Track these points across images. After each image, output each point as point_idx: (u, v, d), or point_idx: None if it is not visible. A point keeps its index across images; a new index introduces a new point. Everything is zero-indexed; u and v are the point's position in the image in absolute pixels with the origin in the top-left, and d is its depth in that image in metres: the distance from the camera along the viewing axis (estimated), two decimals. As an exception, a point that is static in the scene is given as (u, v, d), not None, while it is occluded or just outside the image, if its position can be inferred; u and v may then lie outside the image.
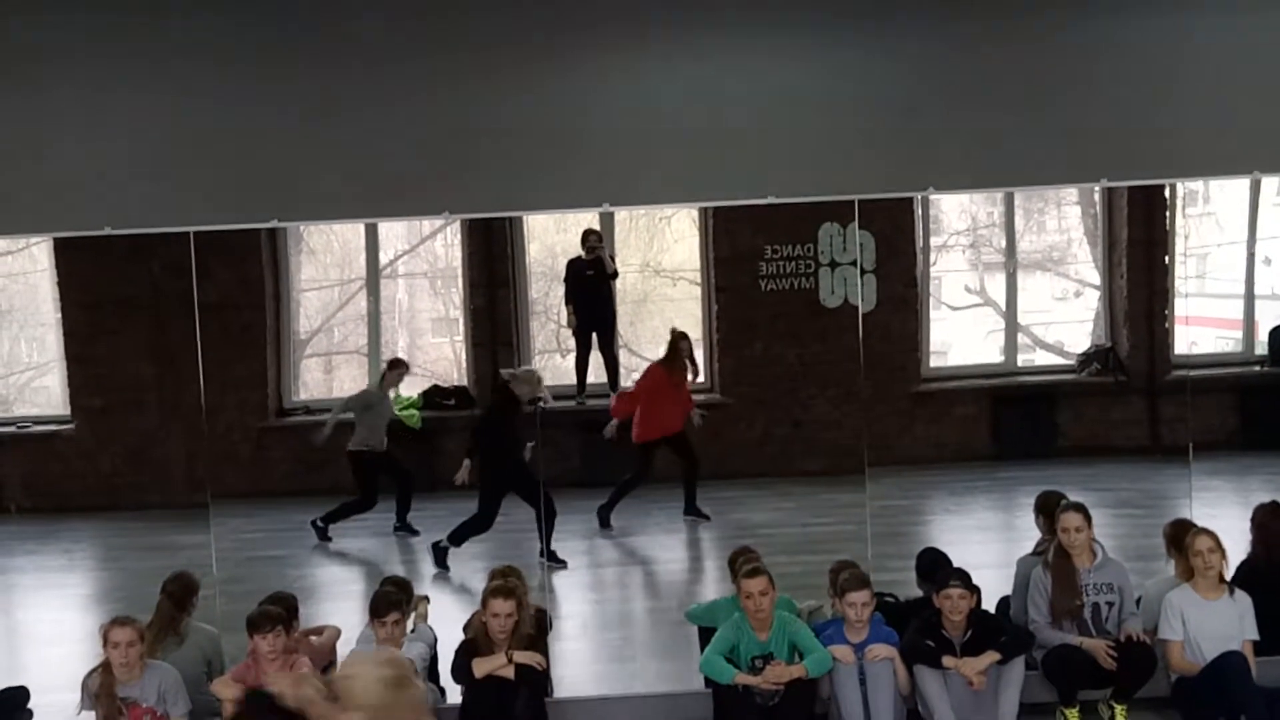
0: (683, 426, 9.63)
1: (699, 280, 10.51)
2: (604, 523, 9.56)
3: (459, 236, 10.46)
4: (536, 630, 6.65)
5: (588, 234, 9.96)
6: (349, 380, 9.93)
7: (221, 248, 8.03)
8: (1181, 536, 6.78)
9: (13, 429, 10.19)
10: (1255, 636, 6.54)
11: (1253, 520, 7.08)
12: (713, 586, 8.57)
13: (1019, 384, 10.41)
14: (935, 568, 6.85)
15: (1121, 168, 6.96)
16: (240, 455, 9.71)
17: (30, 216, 6.97)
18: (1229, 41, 6.85)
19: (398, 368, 9.78)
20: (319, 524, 9.39)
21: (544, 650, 6.63)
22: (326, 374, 10.93)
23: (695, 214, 10.37)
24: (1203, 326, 10.57)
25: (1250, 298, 10.21)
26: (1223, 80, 6.81)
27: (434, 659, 6.72)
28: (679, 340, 9.67)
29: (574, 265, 10.10)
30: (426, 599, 7.23)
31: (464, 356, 10.58)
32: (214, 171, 6.79)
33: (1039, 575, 6.76)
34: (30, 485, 9.95)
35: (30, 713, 6.74)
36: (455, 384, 10.52)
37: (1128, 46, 6.85)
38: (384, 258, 10.61)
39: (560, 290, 10.28)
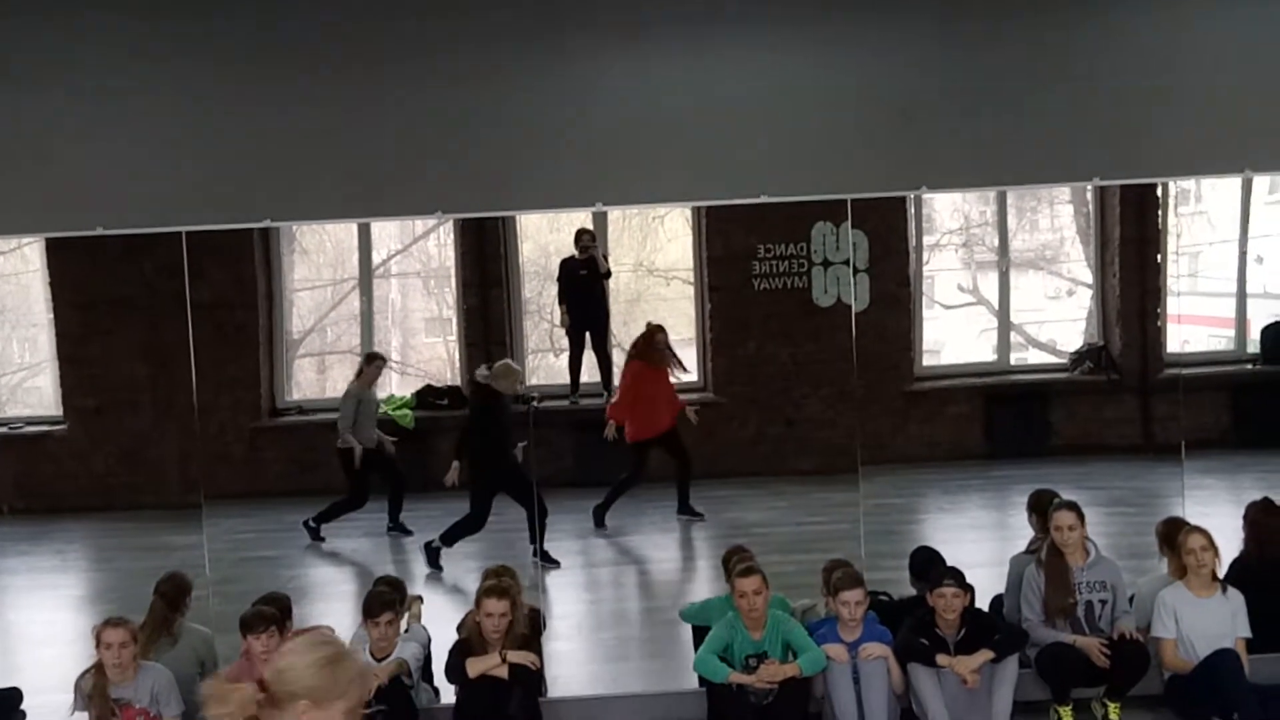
0: (674, 425, 9.62)
1: (692, 280, 10.52)
2: (599, 522, 9.56)
3: (452, 236, 10.46)
4: (530, 630, 6.64)
5: (581, 233, 9.96)
6: (342, 380, 9.92)
7: (214, 248, 8.01)
8: (1174, 535, 6.80)
9: (5, 429, 10.17)
10: (1248, 634, 6.55)
11: (1245, 518, 7.10)
12: (706, 586, 8.56)
13: (1012, 383, 10.43)
14: (929, 566, 6.85)
15: (1114, 166, 6.96)
16: (233, 455, 9.70)
17: (22, 216, 6.95)
18: (1221, 40, 6.86)
19: (375, 361, 9.73)
20: (311, 524, 9.38)
21: (538, 650, 6.63)
22: (319, 374, 10.92)
23: (688, 213, 10.38)
24: (1195, 325, 10.60)
25: (1242, 296, 10.23)
26: (1214, 79, 6.82)
27: (428, 659, 6.72)
28: (655, 333, 9.66)
29: (567, 265, 10.11)
30: (420, 599, 7.25)
31: (457, 356, 10.58)
32: (206, 171, 6.77)
33: (1032, 574, 6.76)
34: (23, 486, 9.93)
35: (23, 714, 6.72)
36: (448, 384, 10.52)
37: (1120, 46, 6.85)
38: (377, 257, 10.61)
39: (553, 290, 10.28)
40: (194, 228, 6.90)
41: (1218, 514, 7.60)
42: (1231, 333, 10.34)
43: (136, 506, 9.58)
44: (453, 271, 10.55)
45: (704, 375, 10.35)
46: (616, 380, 10.07)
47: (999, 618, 6.87)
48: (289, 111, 6.78)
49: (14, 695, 6.76)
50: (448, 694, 6.65)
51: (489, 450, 9.00)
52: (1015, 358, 10.60)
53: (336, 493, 9.45)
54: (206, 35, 6.76)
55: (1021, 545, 7.29)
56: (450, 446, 9.24)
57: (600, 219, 10.00)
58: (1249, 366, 10.26)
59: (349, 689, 3.12)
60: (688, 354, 10.27)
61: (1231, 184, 9.91)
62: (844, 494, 7.98)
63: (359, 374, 9.62)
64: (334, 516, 9.41)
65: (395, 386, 10.67)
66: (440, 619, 7.09)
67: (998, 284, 10.48)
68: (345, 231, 10.39)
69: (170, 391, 8.61)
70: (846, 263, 8.15)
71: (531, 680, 6.43)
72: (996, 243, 10.60)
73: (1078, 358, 10.51)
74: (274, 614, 6.34)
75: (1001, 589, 7.15)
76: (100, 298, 9.68)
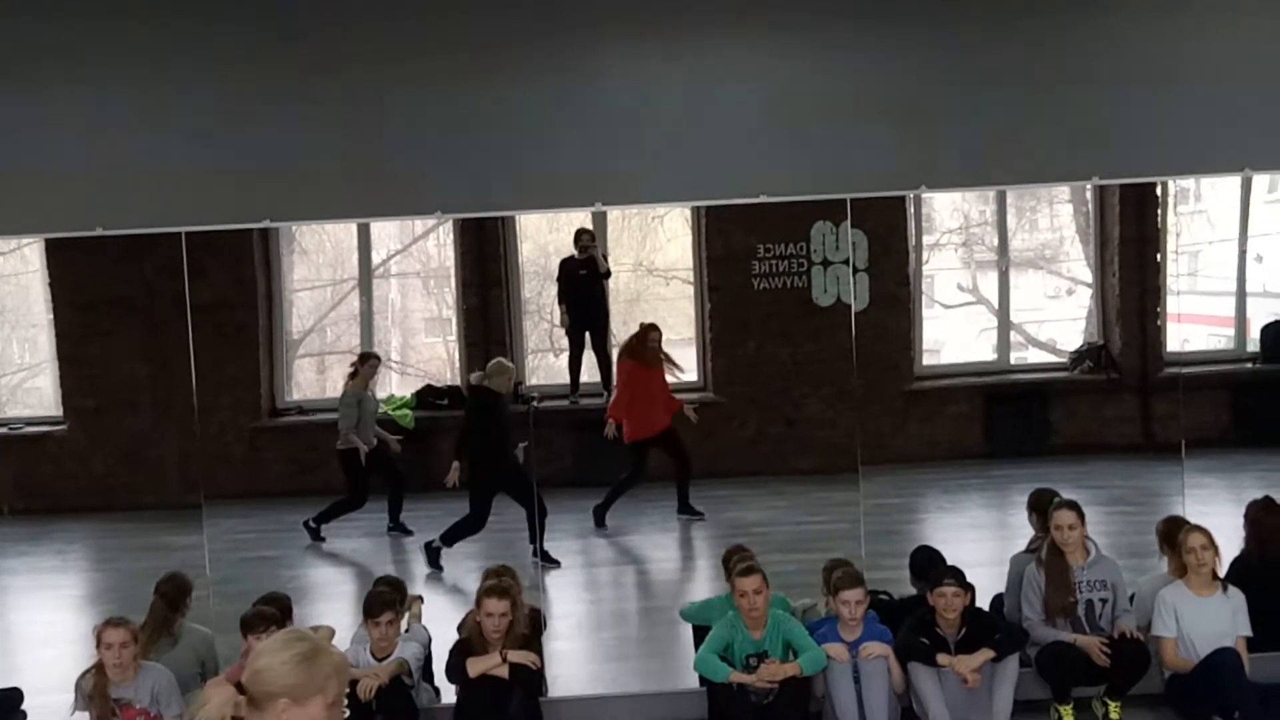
0: (670, 425, 9.61)
1: (692, 279, 10.52)
2: (599, 522, 9.56)
3: (451, 236, 10.46)
4: (531, 630, 6.64)
5: (580, 233, 9.96)
6: (341, 380, 9.92)
7: (214, 248, 8.01)
8: (1174, 533, 6.80)
9: (5, 430, 10.17)
10: (1248, 633, 6.55)
11: (1246, 517, 7.10)
12: (707, 585, 8.56)
13: (1012, 382, 10.43)
14: (929, 566, 6.85)
15: (1113, 166, 6.96)
16: (233, 456, 9.70)
17: (22, 217, 6.95)
18: (1220, 40, 6.85)
19: (369, 361, 9.73)
20: (311, 525, 9.38)
21: (538, 650, 6.63)
22: (319, 374, 10.92)
23: (688, 213, 10.38)
24: (1195, 324, 10.60)
25: (1242, 295, 10.23)
26: (1214, 78, 6.81)
27: (428, 659, 6.72)
28: (648, 332, 9.66)
29: (567, 264, 10.10)
30: (420, 599, 7.25)
31: (457, 356, 10.58)
32: (206, 172, 6.77)
33: (1032, 573, 6.76)
34: (23, 486, 9.93)
35: (24, 714, 6.72)
36: (448, 384, 10.52)
37: (1120, 45, 6.85)
38: (376, 257, 10.61)
39: (553, 290, 10.28)
40: (194, 228, 6.90)
41: (1218, 513, 7.60)
42: (1231, 331, 10.34)
43: (136, 507, 9.58)
44: (452, 271, 10.55)
45: (704, 375, 10.35)
46: (615, 380, 10.07)
47: (999, 617, 6.87)
48: (289, 111, 6.78)
49: (15, 695, 6.77)
50: (448, 694, 6.65)
51: (489, 450, 9.00)
52: (1015, 357, 10.60)
53: (336, 493, 9.45)
54: (206, 35, 6.76)
55: (1022, 544, 7.29)
56: (450, 446, 9.24)
57: (600, 219, 10.00)
58: (1249, 365, 10.26)
59: (327, 683, 3.11)
60: (687, 353, 10.27)
61: (1231, 183, 9.90)
62: (844, 493, 7.98)
63: (354, 375, 9.62)
64: (334, 517, 9.41)
65: (395, 386, 10.67)
66: (440, 619, 7.09)
67: (997, 283, 10.48)
68: (345, 231, 10.39)
69: (170, 392, 8.62)
70: (846, 262, 8.15)
71: (532, 680, 6.43)
72: (996, 242, 10.60)
73: (1077, 357, 10.51)
74: (274, 614, 6.34)
75: (1002, 588, 7.15)
76: (100, 298, 9.69)
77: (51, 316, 9.96)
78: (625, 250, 10.85)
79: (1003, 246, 10.49)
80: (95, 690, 6.14)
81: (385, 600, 6.55)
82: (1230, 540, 6.95)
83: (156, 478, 9.56)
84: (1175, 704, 6.57)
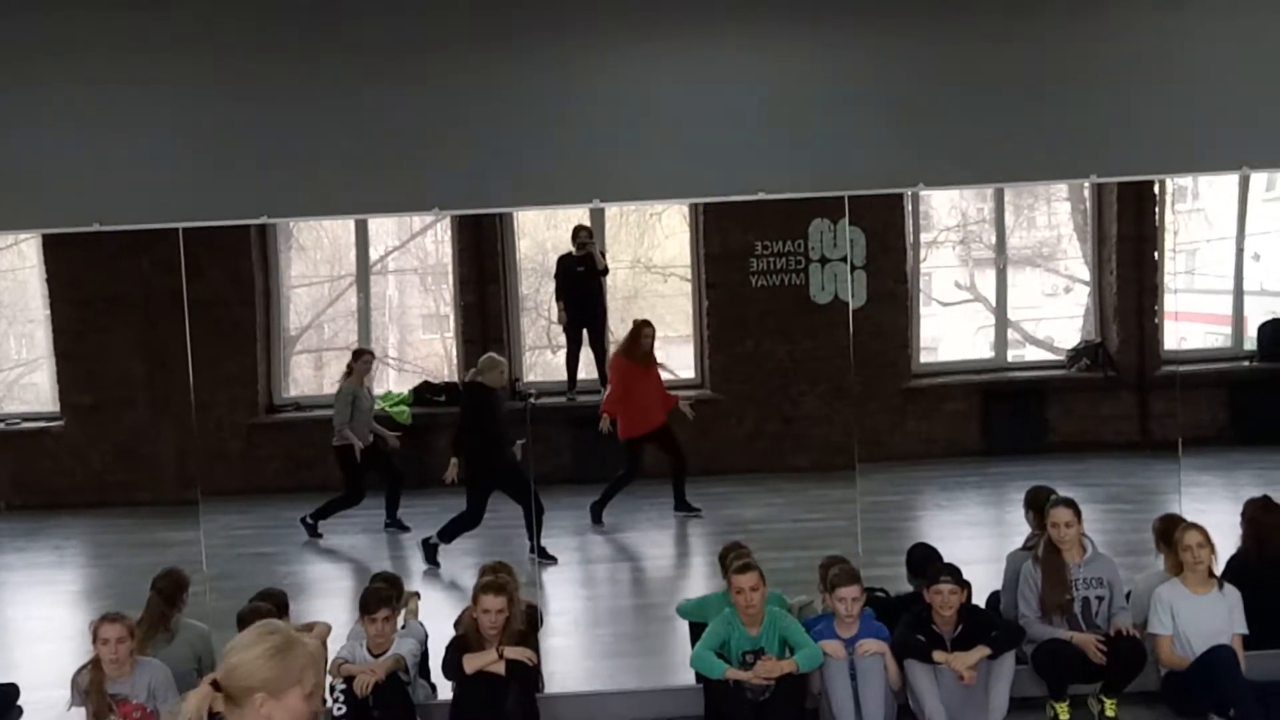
0: (665, 422, 9.61)
1: (689, 276, 10.51)
2: (596, 519, 9.57)
3: (449, 232, 10.45)
4: (527, 626, 6.65)
5: (578, 230, 9.95)
6: (339, 377, 9.91)
7: (211, 244, 7.98)
8: (1171, 531, 6.81)
9: (2, 426, 10.16)
10: (1244, 631, 6.56)
11: (1243, 515, 7.11)
12: (703, 582, 8.57)
13: (1009, 379, 10.42)
14: (926, 563, 6.86)
15: (1111, 163, 6.97)
16: (230, 452, 9.69)
17: (20, 212, 6.95)
18: (1218, 38, 6.86)
19: (363, 357, 9.73)
20: (308, 521, 9.38)
21: (535, 646, 6.63)
22: (317, 370, 10.91)
23: (686, 210, 10.37)
24: (1192, 322, 10.60)
25: (1239, 293, 10.23)
26: (1212, 76, 6.82)
27: (425, 655, 6.72)
28: (640, 328, 9.66)
29: (564, 261, 10.09)
30: (417, 595, 7.24)
31: (455, 353, 10.57)
32: (204, 168, 6.77)
33: (1029, 570, 6.77)
34: (19, 482, 9.92)
35: (20, 710, 6.73)
36: (445, 380, 10.51)
37: (1117, 43, 6.85)
38: (374, 254, 10.60)
39: (551, 286, 10.27)
40: (191, 224, 6.90)
41: (1214, 510, 7.61)
42: (1228, 330, 10.34)
43: (133, 503, 9.57)
44: (450, 268, 10.54)
45: (701, 372, 10.34)
46: (611, 377, 10.09)
47: (996, 614, 6.88)
48: (286, 108, 6.78)
49: (11, 691, 6.77)
50: (445, 690, 6.66)
51: (485, 447, 9.00)
52: (1012, 355, 10.60)
53: (333, 489, 9.45)
54: (204, 32, 6.76)
55: (1018, 542, 7.29)
56: (448, 442, 9.24)
57: (598, 215, 9.99)
58: (1246, 363, 10.26)
59: (303, 674, 3.10)
60: (684, 351, 10.27)
61: (1229, 181, 9.90)
62: (841, 491, 7.99)
63: (348, 372, 9.62)
64: (331, 513, 9.40)
65: (393, 383, 10.66)
66: (437, 615, 7.10)
67: (995, 281, 10.47)
68: (343, 228, 10.38)
69: (167, 388, 8.60)
70: (844, 260, 8.13)
71: (528, 676, 6.43)
72: (994, 240, 10.59)
73: (1075, 355, 10.51)
74: (271, 610, 6.35)
75: (998, 585, 7.16)
76: (97, 294, 9.67)
77: (49, 312, 9.94)
78: (623, 247, 10.84)
79: (1000, 244, 10.49)
80: (92, 686, 6.14)
81: (382, 596, 6.55)
82: (1227, 538, 6.96)
83: (153, 474, 9.56)
84: (1171, 701, 6.58)
